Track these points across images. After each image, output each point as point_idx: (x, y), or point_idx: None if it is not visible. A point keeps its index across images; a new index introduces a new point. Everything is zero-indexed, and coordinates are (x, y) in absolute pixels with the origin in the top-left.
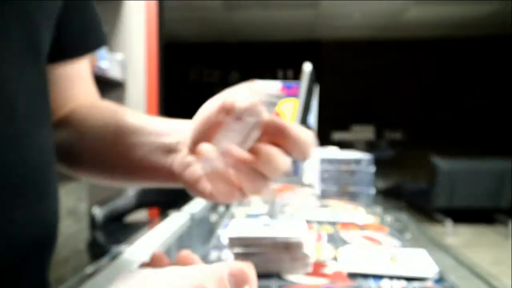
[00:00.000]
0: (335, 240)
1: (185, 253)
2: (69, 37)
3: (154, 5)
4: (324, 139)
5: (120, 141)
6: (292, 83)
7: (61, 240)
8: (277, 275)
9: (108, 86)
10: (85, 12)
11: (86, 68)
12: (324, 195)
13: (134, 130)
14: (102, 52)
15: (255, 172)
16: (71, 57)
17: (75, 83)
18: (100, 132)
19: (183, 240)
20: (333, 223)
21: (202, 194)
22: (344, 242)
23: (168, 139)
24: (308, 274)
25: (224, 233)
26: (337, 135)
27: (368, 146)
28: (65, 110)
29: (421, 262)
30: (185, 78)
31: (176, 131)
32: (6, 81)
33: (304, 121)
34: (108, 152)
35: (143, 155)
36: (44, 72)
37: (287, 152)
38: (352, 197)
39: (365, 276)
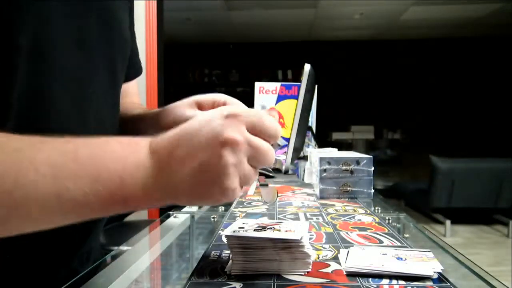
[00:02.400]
0: (335, 240)
1: None
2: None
3: (154, 5)
4: (323, 139)
5: (133, 127)
6: (291, 83)
7: None
8: (277, 275)
9: None
10: (134, 47)
11: (134, 86)
12: (323, 195)
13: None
14: None
15: None
16: (127, 81)
17: (126, 97)
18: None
19: (183, 240)
20: (333, 223)
21: None
22: (344, 242)
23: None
24: (308, 273)
25: (224, 233)
26: (337, 136)
27: (368, 147)
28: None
29: (422, 261)
30: (185, 78)
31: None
32: (99, 99)
33: (304, 121)
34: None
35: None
36: (118, 92)
37: None
38: (351, 197)
39: (365, 276)
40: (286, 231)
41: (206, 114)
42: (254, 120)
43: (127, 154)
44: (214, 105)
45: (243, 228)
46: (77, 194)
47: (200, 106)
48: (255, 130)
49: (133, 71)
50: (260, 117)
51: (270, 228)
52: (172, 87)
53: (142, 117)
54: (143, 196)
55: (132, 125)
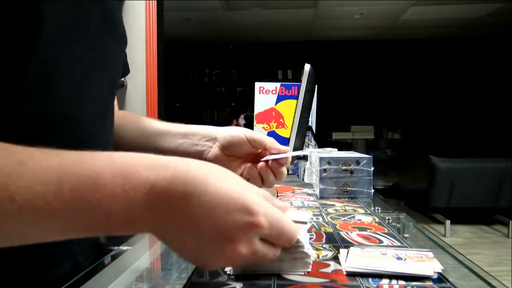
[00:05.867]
0: (335, 240)
1: None
2: None
3: (154, 5)
4: (323, 139)
5: (148, 143)
6: (291, 83)
7: None
8: (277, 275)
9: None
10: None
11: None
12: (323, 195)
13: (159, 133)
14: None
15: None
16: None
17: None
18: (128, 138)
19: None
20: (333, 223)
21: None
22: (344, 242)
23: (192, 140)
24: (308, 273)
25: None
26: (337, 136)
27: (368, 147)
28: None
29: (422, 261)
30: (185, 78)
31: (197, 134)
32: (103, 90)
33: (304, 121)
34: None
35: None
36: (117, 83)
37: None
38: (351, 197)
39: (365, 276)
40: None
41: (231, 202)
42: (272, 231)
43: (120, 195)
44: (265, 148)
45: None
46: (54, 226)
47: (251, 143)
48: (271, 237)
49: (123, 69)
50: (282, 226)
51: None
52: (172, 87)
53: (172, 132)
54: (127, 229)
55: (156, 139)
